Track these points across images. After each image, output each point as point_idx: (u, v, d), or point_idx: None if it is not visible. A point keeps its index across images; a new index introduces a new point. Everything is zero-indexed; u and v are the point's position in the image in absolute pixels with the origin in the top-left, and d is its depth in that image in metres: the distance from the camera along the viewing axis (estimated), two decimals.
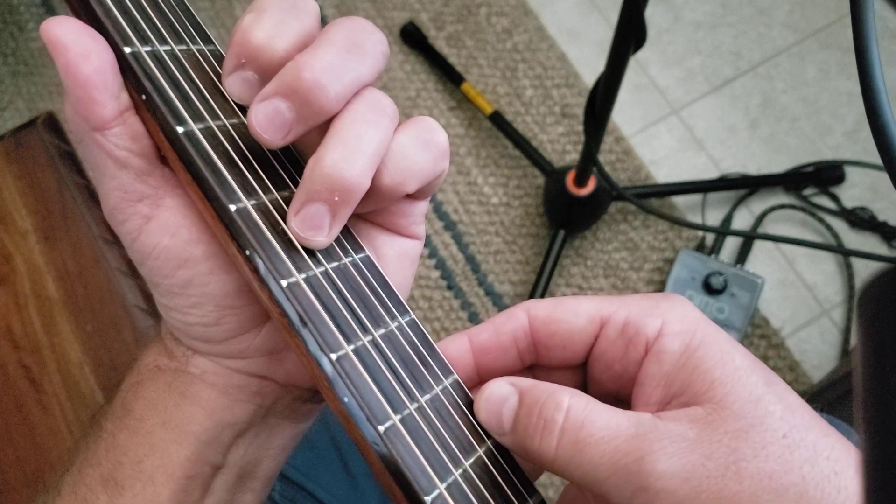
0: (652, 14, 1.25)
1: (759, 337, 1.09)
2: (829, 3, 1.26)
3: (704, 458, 0.23)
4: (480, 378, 0.29)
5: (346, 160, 0.25)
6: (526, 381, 0.26)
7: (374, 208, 0.29)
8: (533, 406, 0.25)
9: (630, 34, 0.68)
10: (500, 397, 0.26)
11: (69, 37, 0.24)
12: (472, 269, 1.14)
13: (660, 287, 1.12)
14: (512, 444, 0.26)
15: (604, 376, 0.28)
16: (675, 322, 0.26)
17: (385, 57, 0.28)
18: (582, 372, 0.29)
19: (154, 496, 0.29)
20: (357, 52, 0.26)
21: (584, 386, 0.30)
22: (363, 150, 0.26)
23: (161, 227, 0.27)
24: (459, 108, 1.22)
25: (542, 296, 1.06)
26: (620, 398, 0.28)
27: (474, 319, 1.12)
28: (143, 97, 0.26)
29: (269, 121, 0.26)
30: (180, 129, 0.26)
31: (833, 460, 0.23)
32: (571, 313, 0.28)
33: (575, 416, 0.24)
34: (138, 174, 0.27)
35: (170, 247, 0.27)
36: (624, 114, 1.21)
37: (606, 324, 0.27)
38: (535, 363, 0.30)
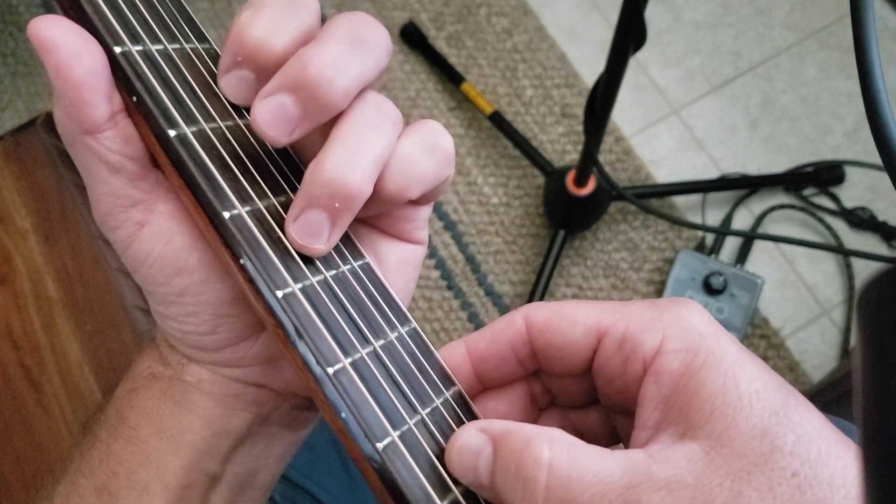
0: (652, 14, 1.25)
1: (759, 337, 1.09)
2: (829, 3, 1.26)
3: None
4: (482, 386, 0.29)
5: (347, 165, 0.25)
6: (498, 427, 0.24)
7: (375, 213, 0.28)
8: (509, 460, 0.23)
9: (630, 34, 0.68)
10: (473, 449, 0.24)
11: (60, 37, 0.23)
12: (471, 269, 1.14)
13: (660, 287, 1.12)
14: (493, 499, 0.24)
15: (608, 389, 0.27)
16: (675, 338, 0.24)
17: (388, 53, 0.27)
18: (590, 378, 0.28)
19: None
20: (361, 46, 0.25)
21: (594, 393, 0.28)
22: (365, 154, 0.25)
23: (154, 234, 0.27)
24: (459, 108, 1.22)
25: (542, 296, 1.06)
26: (628, 412, 0.26)
27: (474, 319, 1.12)
28: (134, 99, 0.25)
29: (273, 117, 0.25)
30: (172, 133, 0.25)
31: (851, 499, 0.21)
32: (569, 323, 0.26)
33: (559, 471, 0.22)
34: (131, 179, 0.26)
35: (164, 255, 0.27)
36: (624, 114, 1.21)
37: (604, 337, 0.26)
38: (540, 369, 0.28)
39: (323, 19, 0.27)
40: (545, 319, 0.27)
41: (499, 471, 0.23)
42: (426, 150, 0.27)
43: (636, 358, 0.25)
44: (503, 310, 1.12)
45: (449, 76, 1.20)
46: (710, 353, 0.23)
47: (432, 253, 1.15)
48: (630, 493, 0.21)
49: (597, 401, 0.29)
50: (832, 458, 0.21)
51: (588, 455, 0.22)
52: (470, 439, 0.24)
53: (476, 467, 0.24)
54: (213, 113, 0.26)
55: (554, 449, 0.22)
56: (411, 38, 1.23)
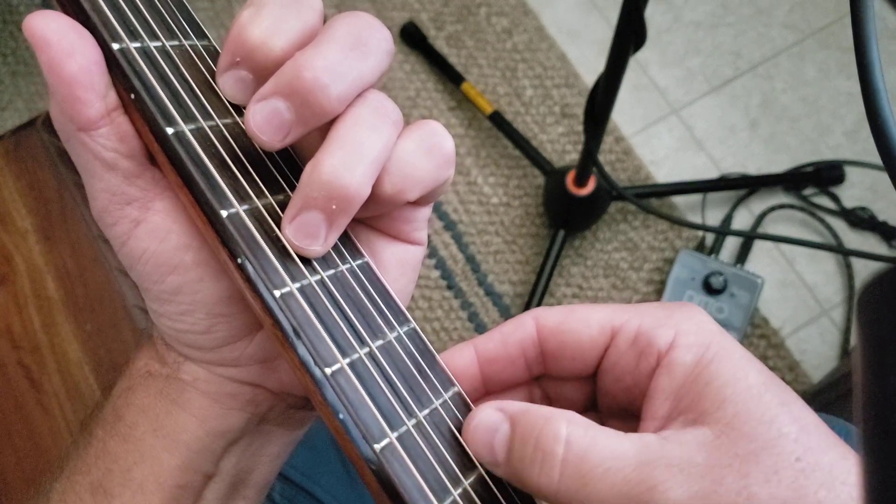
0: (652, 14, 1.25)
1: (758, 337, 1.09)
2: (829, 3, 1.26)
3: (715, 485, 0.22)
4: (486, 390, 0.29)
5: (345, 167, 0.24)
6: (516, 406, 0.25)
7: (373, 214, 0.28)
8: (528, 436, 0.24)
9: (630, 34, 0.68)
10: (490, 426, 0.25)
11: (53, 33, 0.23)
12: (472, 268, 1.14)
13: (660, 287, 1.12)
14: (507, 476, 0.25)
15: (614, 388, 0.27)
16: (688, 333, 0.25)
17: (390, 56, 0.26)
18: (592, 383, 0.28)
19: None
20: (361, 50, 0.25)
21: (594, 397, 0.29)
22: (364, 156, 0.25)
23: (150, 232, 0.26)
24: (459, 108, 1.22)
25: (542, 296, 1.06)
26: (630, 411, 0.27)
27: (474, 319, 1.12)
28: (132, 96, 0.24)
29: (266, 121, 0.24)
30: (170, 130, 0.24)
31: (850, 485, 0.22)
32: (582, 323, 0.27)
33: (576, 446, 0.23)
34: (127, 176, 0.26)
35: (159, 252, 0.26)
36: (624, 114, 1.21)
37: (618, 334, 0.26)
38: (544, 374, 0.29)
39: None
40: (557, 320, 0.27)
41: (516, 447, 0.24)
42: (425, 151, 0.27)
43: (650, 352, 0.25)
44: (503, 309, 1.12)
45: (449, 76, 1.20)
46: (720, 346, 0.25)
47: (432, 253, 1.15)
48: (643, 468, 0.22)
49: (593, 407, 0.29)
50: (831, 448, 0.23)
51: (604, 434, 0.23)
52: (487, 417, 0.25)
53: (492, 444, 0.25)
54: (212, 111, 0.26)
55: (571, 426, 0.23)
56: (411, 38, 1.23)
